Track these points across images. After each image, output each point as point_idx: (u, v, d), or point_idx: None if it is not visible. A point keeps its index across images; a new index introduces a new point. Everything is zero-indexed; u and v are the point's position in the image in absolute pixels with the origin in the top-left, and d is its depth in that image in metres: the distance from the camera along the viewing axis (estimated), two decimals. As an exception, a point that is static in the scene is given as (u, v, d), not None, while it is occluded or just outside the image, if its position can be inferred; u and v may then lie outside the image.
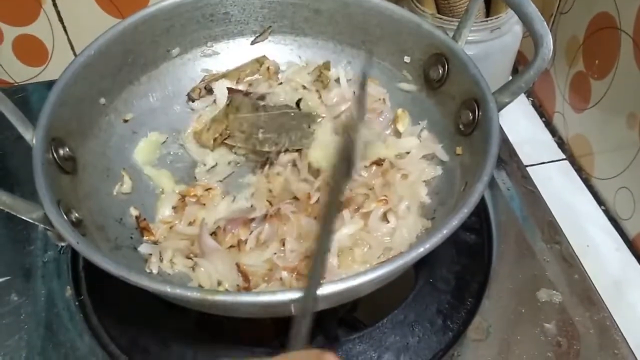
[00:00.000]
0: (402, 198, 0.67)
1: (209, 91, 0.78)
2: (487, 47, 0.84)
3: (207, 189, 0.71)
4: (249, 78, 0.79)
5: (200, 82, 0.79)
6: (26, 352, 0.62)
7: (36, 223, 0.54)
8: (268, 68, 0.79)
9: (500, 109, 0.62)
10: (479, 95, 0.63)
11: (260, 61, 0.79)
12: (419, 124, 0.74)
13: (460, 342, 0.63)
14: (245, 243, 0.64)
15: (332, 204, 0.44)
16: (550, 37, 0.58)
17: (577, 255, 0.71)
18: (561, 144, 0.96)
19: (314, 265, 0.42)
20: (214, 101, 0.78)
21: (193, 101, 0.78)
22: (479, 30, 0.83)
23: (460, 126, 0.67)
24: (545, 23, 0.59)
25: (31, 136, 0.58)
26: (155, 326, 0.64)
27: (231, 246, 0.65)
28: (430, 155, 0.71)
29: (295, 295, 0.48)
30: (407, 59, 0.74)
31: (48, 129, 0.60)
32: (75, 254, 0.70)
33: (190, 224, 0.67)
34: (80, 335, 0.64)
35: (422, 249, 0.51)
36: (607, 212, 0.86)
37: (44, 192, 0.54)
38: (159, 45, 0.75)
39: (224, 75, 0.79)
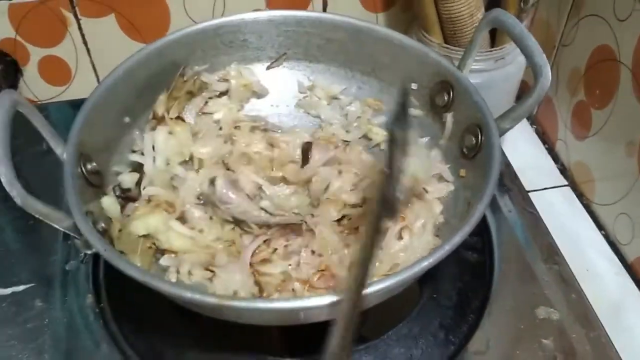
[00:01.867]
0: (419, 216, 0.69)
1: None
2: (492, 76, 0.86)
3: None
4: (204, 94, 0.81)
5: None
6: (49, 355, 0.65)
7: (66, 231, 0.57)
8: None
9: (501, 134, 0.65)
10: (481, 121, 0.66)
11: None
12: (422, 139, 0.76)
13: (461, 356, 0.65)
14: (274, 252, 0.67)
15: (374, 237, 0.46)
16: (549, 67, 0.61)
17: (575, 277, 0.73)
18: (563, 170, 0.97)
19: (356, 279, 0.45)
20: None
21: None
22: (484, 60, 0.85)
23: (464, 150, 0.70)
24: (544, 55, 0.61)
25: (62, 151, 0.61)
26: (172, 334, 0.67)
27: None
28: (438, 175, 0.73)
29: (308, 303, 0.50)
30: (414, 86, 0.77)
31: (77, 144, 0.62)
32: (96, 263, 0.73)
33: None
34: (100, 341, 0.66)
35: (425, 264, 0.53)
36: (607, 237, 0.87)
37: (74, 203, 0.56)
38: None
39: None
